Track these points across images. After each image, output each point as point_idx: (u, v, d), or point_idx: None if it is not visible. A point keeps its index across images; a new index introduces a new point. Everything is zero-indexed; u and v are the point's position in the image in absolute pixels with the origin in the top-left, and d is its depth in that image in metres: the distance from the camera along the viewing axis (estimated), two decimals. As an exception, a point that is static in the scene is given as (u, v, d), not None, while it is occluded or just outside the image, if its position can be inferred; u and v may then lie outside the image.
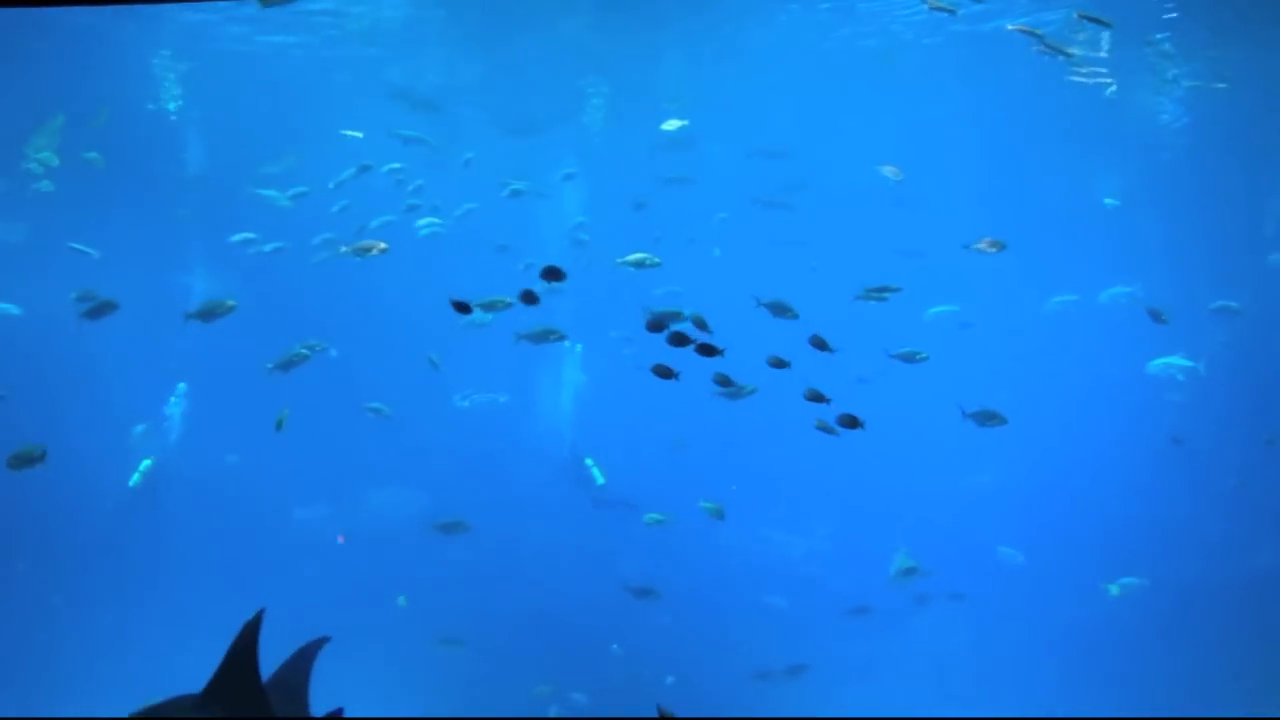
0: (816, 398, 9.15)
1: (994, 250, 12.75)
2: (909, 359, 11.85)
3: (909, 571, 14.47)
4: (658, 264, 11.45)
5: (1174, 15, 15.20)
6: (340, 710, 4.70)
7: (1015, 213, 20.34)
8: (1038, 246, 16.10)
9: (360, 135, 16.70)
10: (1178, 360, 17.08)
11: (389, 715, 14.62)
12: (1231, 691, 15.69)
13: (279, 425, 11.15)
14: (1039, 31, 12.58)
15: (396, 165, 16.31)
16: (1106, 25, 13.43)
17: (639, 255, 11.52)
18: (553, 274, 8.92)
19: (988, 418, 11.89)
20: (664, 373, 8.99)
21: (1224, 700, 15.30)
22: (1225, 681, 15.93)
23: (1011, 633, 17.01)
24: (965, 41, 16.71)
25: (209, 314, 11.84)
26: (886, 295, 11.12)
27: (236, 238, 16.85)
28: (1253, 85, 17.34)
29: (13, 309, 18.90)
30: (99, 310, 12.18)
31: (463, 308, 8.81)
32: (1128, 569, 16.75)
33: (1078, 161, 20.56)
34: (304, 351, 12.29)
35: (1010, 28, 13.15)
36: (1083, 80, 15.94)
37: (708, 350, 8.62)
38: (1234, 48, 16.26)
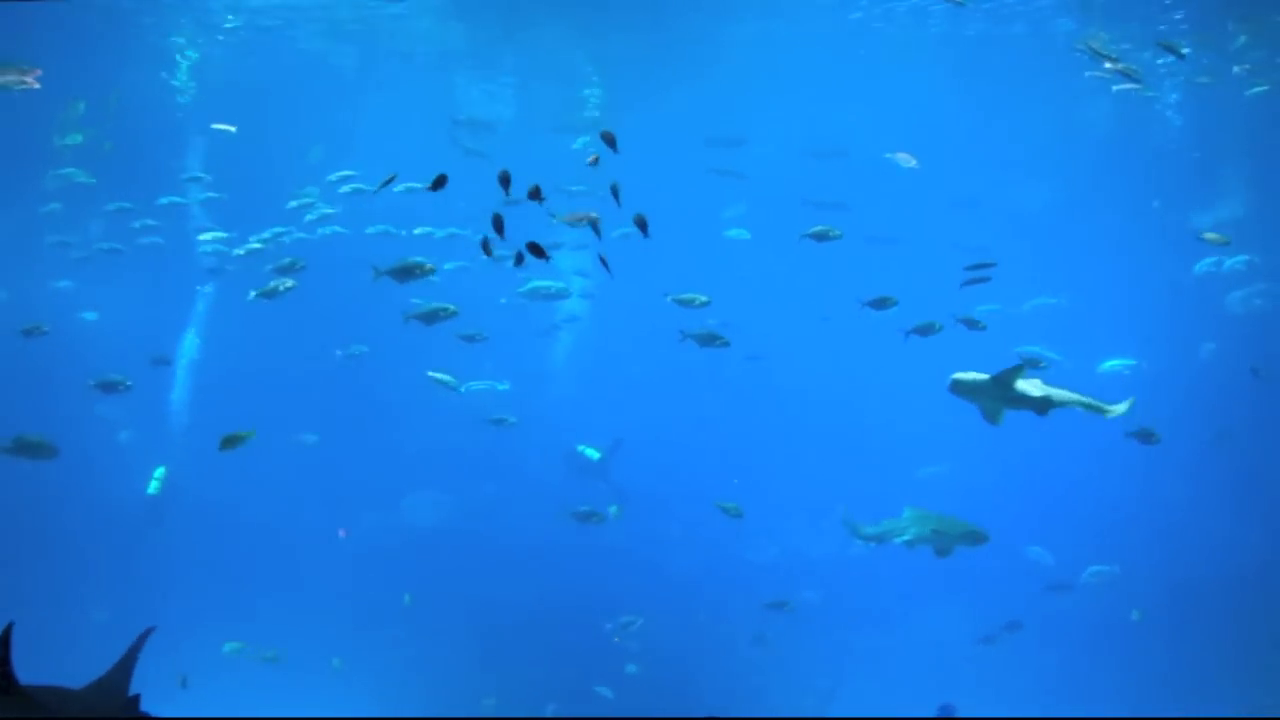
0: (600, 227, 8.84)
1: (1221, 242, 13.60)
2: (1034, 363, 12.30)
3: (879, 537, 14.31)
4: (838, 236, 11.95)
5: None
6: (137, 698, 4.76)
7: (1007, 211, 20.53)
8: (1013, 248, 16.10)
9: (233, 129, 16.63)
10: (1044, 351, 16.99)
11: (395, 715, 14.84)
12: (1226, 692, 15.85)
13: (228, 443, 9.42)
14: (1110, 53, 12.42)
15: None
16: (1180, 55, 13.22)
17: (821, 227, 12.01)
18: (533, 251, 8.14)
19: (1146, 436, 12.33)
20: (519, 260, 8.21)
21: (1219, 700, 15.45)
22: (1217, 681, 16.09)
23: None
24: (960, 44, 16.75)
25: (431, 318, 11.49)
26: (989, 276, 11.43)
27: (52, 240, 16.95)
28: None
29: (91, 315, 19.06)
30: (431, 317, 11.65)
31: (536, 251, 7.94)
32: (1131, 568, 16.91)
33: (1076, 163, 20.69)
34: (450, 308, 11.66)
35: (1084, 46, 12.92)
36: (1100, 75, 15.87)
37: (536, 250, 8.08)
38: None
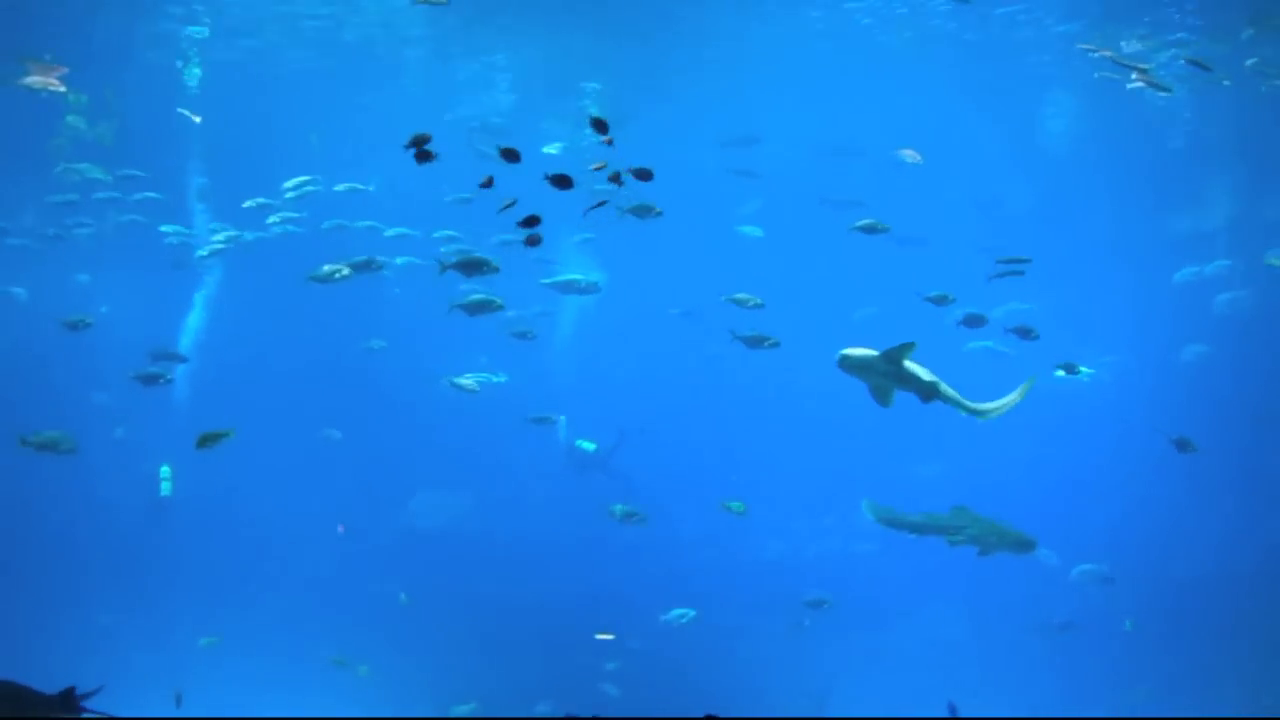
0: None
1: None
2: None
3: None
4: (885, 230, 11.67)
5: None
6: (71, 691, 4.85)
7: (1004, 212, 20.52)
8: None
9: (198, 119, 16.39)
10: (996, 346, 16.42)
11: (394, 715, 14.84)
12: (1226, 692, 15.89)
13: (205, 441, 9.12)
14: (1131, 62, 12.36)
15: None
16: (1207, 69, 13.22)
17: (869, 220, 11.79)
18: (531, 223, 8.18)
19: (1184, 445, 12.40)
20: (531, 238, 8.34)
21: (1219, 700, 15.49)
22: (1218, 681, 16.13)
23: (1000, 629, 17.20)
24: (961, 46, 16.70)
25: (478, 309, 11.20)
26: (1022, 269, 11.29)
27: None
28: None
29: (102, 309, 18.91)
30: (477, 308, 11.30)
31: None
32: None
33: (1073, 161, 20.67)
34: (496, 301, 11.26)
35: (1106, 55, 12.74)
36: (1109, 76, 15.85)
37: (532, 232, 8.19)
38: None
